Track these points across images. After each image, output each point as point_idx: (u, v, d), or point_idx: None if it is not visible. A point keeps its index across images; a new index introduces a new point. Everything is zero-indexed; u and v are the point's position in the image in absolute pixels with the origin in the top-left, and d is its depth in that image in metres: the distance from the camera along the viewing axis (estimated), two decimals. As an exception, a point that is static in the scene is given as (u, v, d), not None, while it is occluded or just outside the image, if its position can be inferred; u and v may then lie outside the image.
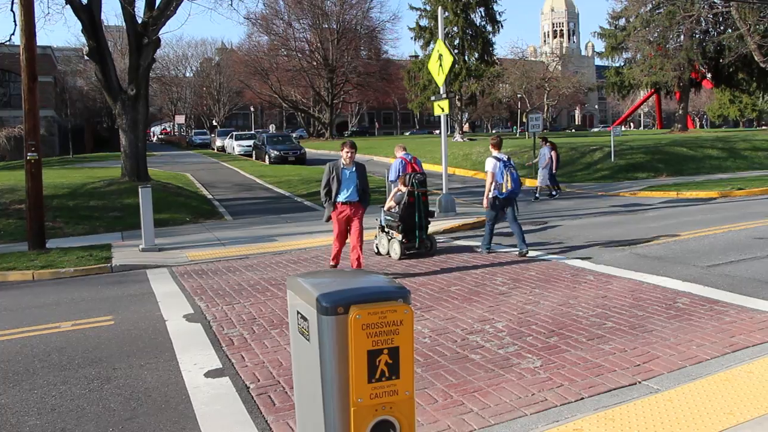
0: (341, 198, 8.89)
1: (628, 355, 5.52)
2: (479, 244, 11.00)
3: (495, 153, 10.32)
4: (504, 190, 10.09)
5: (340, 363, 2.83)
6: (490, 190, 10.17)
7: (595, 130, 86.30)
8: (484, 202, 10.37)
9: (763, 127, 52.60)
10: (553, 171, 19.73)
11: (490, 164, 10.21)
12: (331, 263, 9.33)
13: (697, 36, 46.95)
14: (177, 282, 9.67)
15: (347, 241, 9.27)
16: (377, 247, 11.08)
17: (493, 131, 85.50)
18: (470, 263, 9.98)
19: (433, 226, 12.21)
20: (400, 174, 11.34)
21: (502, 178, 10.08)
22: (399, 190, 10.77)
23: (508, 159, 10.34)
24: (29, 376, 5.78)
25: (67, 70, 58.81)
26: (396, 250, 10.53)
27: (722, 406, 4.30)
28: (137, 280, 10.06)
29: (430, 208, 11.15)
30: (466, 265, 9.80)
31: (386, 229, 10.77)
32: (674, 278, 8.28)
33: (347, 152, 8.92)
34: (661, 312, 6.79)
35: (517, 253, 10.30)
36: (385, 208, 10.94)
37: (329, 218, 9.04)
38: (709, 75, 52.46)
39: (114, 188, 19.59)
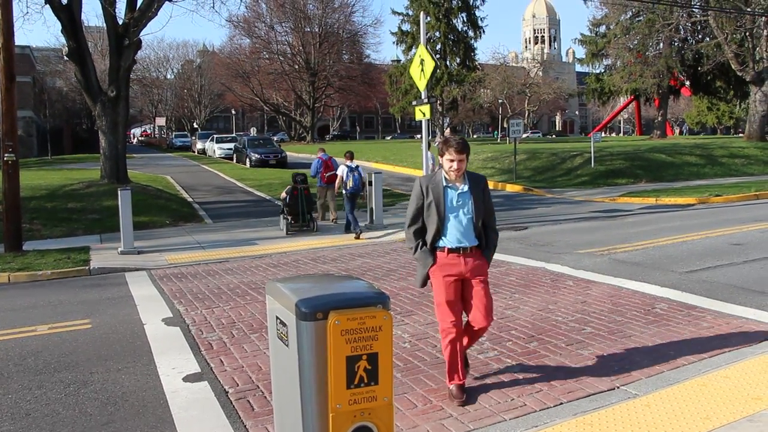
0: (447, 242, 4.85)
1: (607, 360, 5.56)
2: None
3: (347, 162, 14.28)
4: (348, 187, 14.03)
5: (318, 369, 2.83)
6: (339, 187, 14.42)
7: (525, 135, 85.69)
8: (335, 192, 15.05)
9: (740, 135, 53.31)
10: None
11: (340, 170, 14.36)
12: (450, 383, 4.90)
13: (675, 44, 47.57)
14: (156, 285, 9.58)
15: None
16: (280, 225, 14.79)
17: (475, 136, 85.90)
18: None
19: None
20: (319, 170, 15.76)
21: (348, 178, 14.05)
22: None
23: (356, 167, 14.28)
24: (3, 380, 5.69)
25: (47, 71, 58.28)
26: (284, 227, 14.38)
27: (699, 410, 4.34)
28: (116, 283, 9.96)
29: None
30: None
31: (284, 212, 14.51)
32: (653, 284, 8.35)
33: (451, 160, 4.77)
34: (639, 317, 6.84)
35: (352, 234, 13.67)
36: (280, 198, 15.06)
37: (426, 280, 4.96)
38: (687, 82, 53.15)
39: (93, 190, 19.39)
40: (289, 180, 15.49)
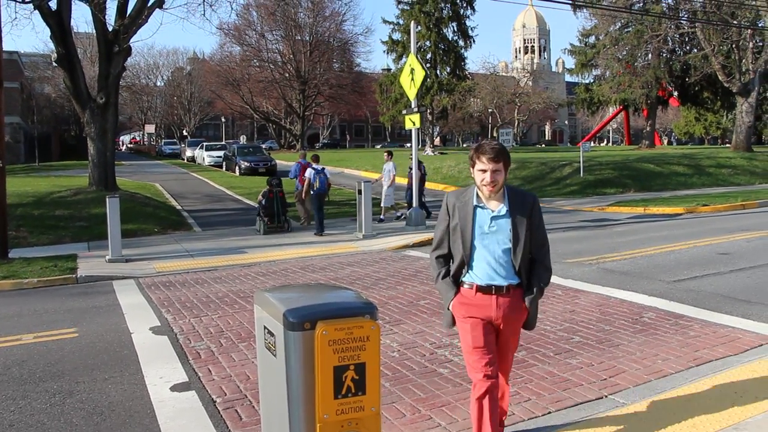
0: (476, 278, 3.80)
1: (595, 370, 5.57)
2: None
3: (314, 165, 15.35)
4: (315, 188, 15.02)
5: (306, 379, 2.82)
6: (307, 191, 15.47)
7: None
8: (303, 195, 16.08)
9: (727, 145, 53.79)
10: (422, 192, 17.16)
11: (308, 173, 15.28)
12: None
13: (664, 55, 47.97)
14: (144, 294, 9.53)
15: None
16: (256, 226, 16.00)
17: (464, 145, 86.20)
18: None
19: (400, 240, 12.54)
20: (297, 173, 16.86)
21: (315, 180, 15.00)
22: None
23: (322, 169, 15.24)
24: (-12, 389, 5.64)
25: (35, 77, 58.00)
26: (260, 227, 15.67)
27: (686, 419, 4.36)
28: (103, 291, 9.90)
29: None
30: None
31: (260, 214, 15.72)
32: (640, 293, 8.39)
33: (483, 170, 3.79)
34: (627, 326, 6.87)
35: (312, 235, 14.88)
36: (257, 201, 16.29)
37: (453, 321, 3.93)
38: (675, 93, 53.60)
39: (81, 197, 19.29)
40: (276, 187, 15.82)
